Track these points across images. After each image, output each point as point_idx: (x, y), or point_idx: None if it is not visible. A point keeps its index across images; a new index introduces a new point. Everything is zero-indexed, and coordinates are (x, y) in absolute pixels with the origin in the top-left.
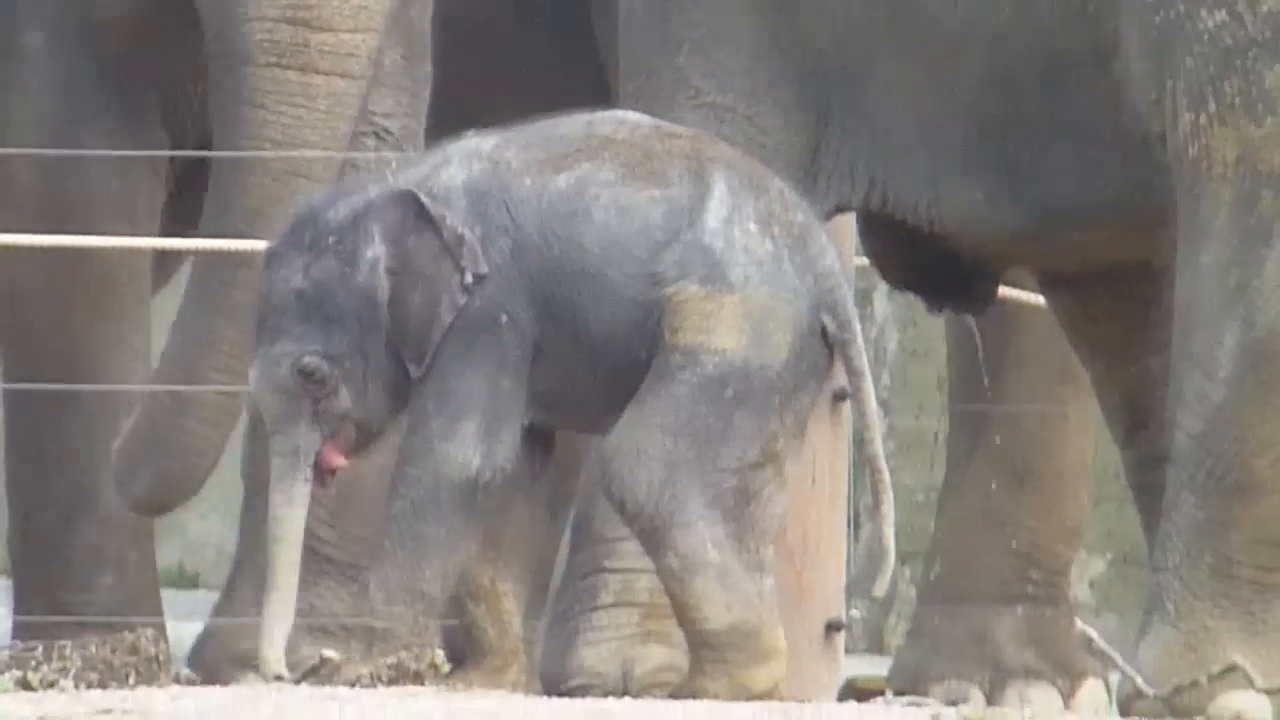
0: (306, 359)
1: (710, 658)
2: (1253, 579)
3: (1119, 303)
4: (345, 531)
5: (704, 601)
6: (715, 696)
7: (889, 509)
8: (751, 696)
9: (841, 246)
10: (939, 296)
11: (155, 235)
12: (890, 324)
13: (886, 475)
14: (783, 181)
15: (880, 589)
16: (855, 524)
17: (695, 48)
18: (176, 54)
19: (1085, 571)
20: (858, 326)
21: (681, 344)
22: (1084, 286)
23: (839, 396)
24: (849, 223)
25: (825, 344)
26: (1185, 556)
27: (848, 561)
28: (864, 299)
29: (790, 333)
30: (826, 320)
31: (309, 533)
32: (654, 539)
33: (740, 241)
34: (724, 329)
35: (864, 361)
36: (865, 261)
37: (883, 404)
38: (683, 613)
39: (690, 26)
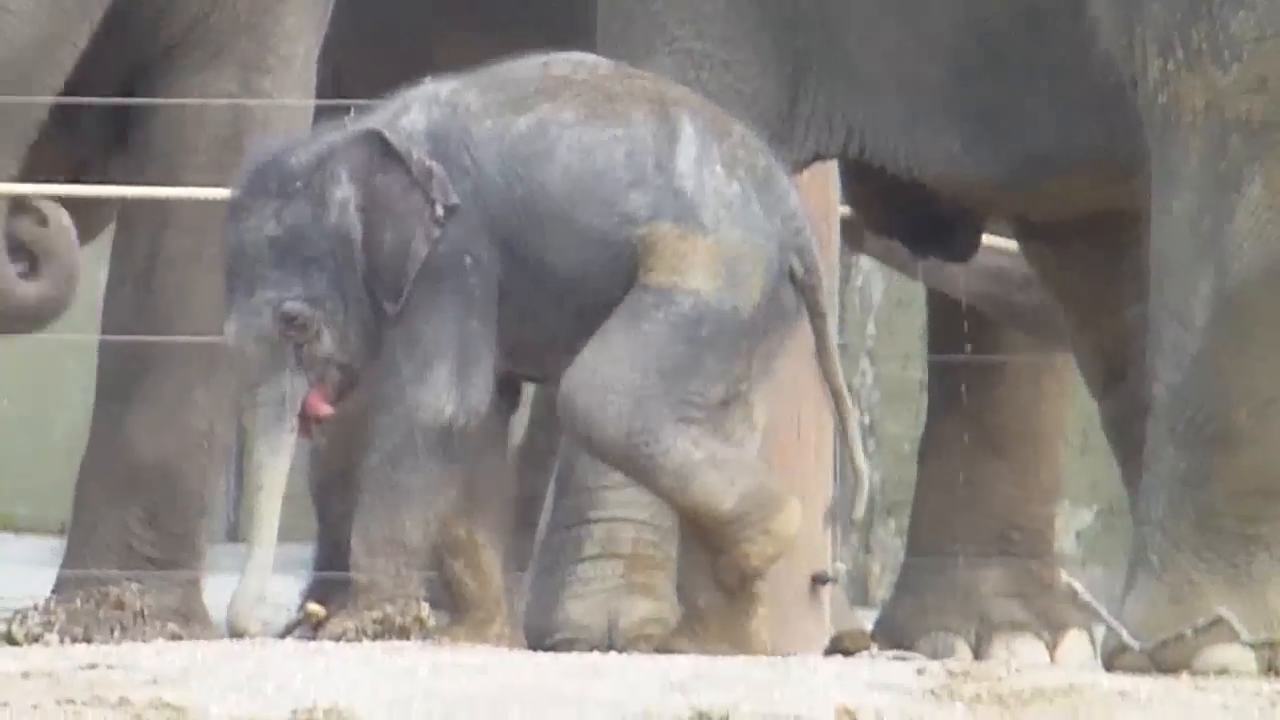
0: (289, 304)
1: (736, 529)
2: (1236, 530)
3: (1095, 254)
4: (165, 529)
5: (707, 496)
6: (759, 554)
7: (855, 432)
8: (785, 543)
9: (825, 195)
10: (922, 245)
11: None
12: (875, 273)
13: (849, 402)
14: (744, 126)
15: (859, 510)
16: (841, 476)
17: None
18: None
19: (1071, 523)
20: (823, 269)
21: (655, 283)
22: (1060, 237)
23: None
24: (831, 171)
25: (793, 287)
26: (1168, 509)
27: None
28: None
29: (762, 275)
30: (794, 263)
31: (126, 529)
32: (637, 469)
33: (710, 184)
34: (699, 270)
35: (829, 304)
36: (849, 210)
37: (868, 353)
38: (694, 516)
39: None
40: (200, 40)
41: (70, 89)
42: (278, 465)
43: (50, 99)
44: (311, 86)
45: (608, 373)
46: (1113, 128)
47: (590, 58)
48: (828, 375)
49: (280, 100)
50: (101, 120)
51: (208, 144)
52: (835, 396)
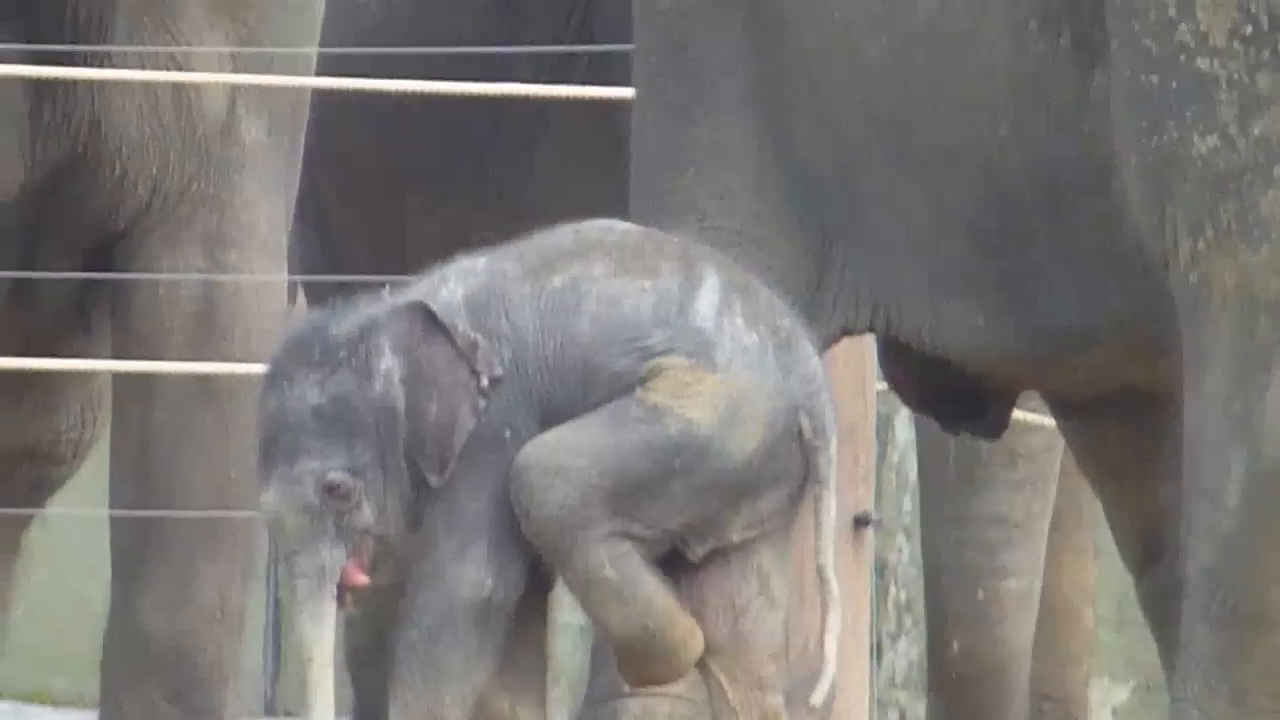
0: (332, 474)
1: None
2: (1270, 709)
3: (1131, 430)
4: (189, 705)
5: (602, 614)
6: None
7: (835, 622)
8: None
9: (862, 370)
10: (955, 420)
11: None
12: (912, 449)
13: (835, 588)
14: (771, 291)
15: (818, 698)
16: (878, 652)
17: (701, 169)
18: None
19: (1109, 698)
20: (833, 436)
21: (650, 401)
22: (1095, 413)
23: (861, 521)
24: (868, 345)
25: (801, 449)
26: (1203, 687)
27: (871, 688)
28: (885, 424)
29: (763, 426)
30: (804, 423)
31: (151, 707)
32: (556, 556)
33: (728, 329)
34: (699, 401)
35: (831, 472)
36: (885, 385)
37: (905, 530)
38: (591, 619)
39: (696, 147)
40: (160, 217)
41: (28, 265)
42: (323, 636)
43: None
44: (281, 251)
45: (565, 460)
46: (1137, 304)
47: (620, 223)
48: (817, 552)
49: (254, 275)
50: (59, 296)
51: (183, 323)
52: (820, 576)
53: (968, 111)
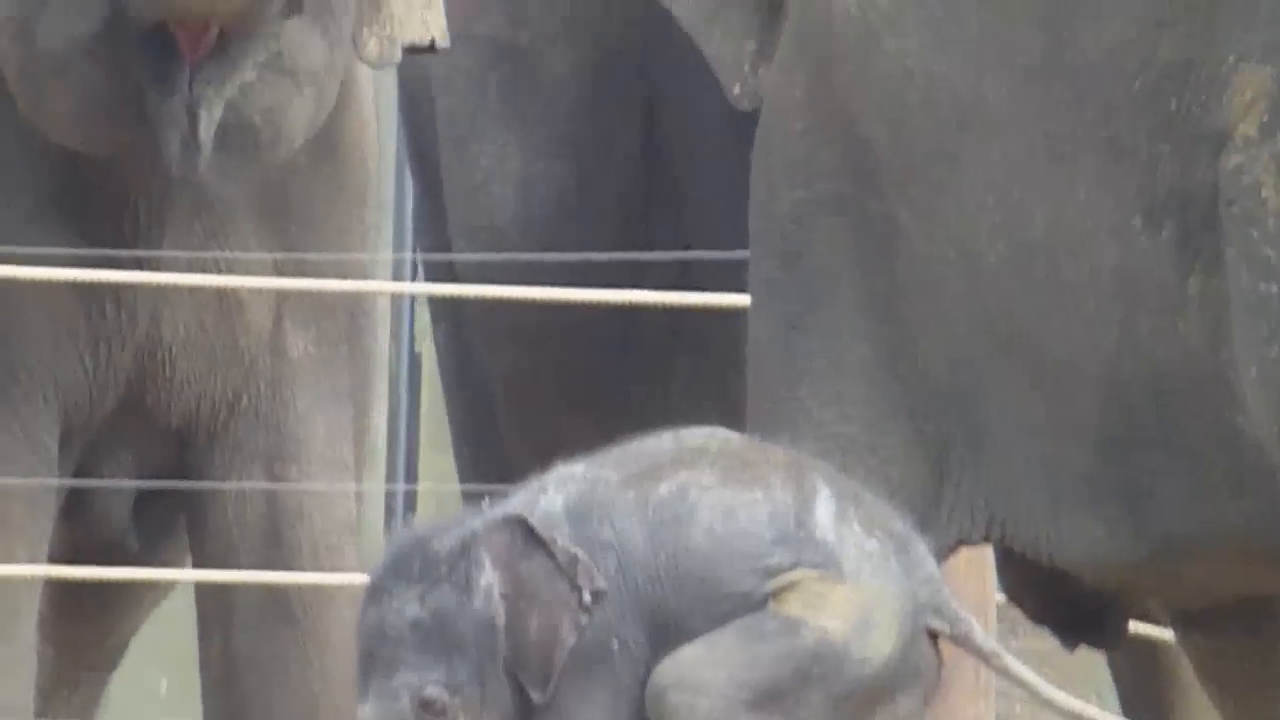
0: (429, 689)
1: None
2: None
3: (1250, 642)
4: None
5: None
6: None
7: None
8: None
9: (982, 583)
10: (1072, 631)
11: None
12: (1033, 657)
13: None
14: (875, 496)
15: None
16: None
17: (816, 378)
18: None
19: None
20: (971, 618)
21: (784, 614)
22: (1214, 624)
23: None
24: (989, 556)
25: (933, 649)
26: None
27: None
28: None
29: (895, 629)
30: (936, 623)
31: None
32: None
33: (850, 538)
34: (832, 610)
35: (991, 641)
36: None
37: None
38: None
39: (810, 356)
40: (212, 430)
41: (86, 473)
42: None
43: (71, 480)
44: (342, 461)
45: (705, 675)
46: (1252, 513)
47: (721, 430)
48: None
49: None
50: (115, 515)
51: (251, 544)
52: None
53: (1083, 318)
